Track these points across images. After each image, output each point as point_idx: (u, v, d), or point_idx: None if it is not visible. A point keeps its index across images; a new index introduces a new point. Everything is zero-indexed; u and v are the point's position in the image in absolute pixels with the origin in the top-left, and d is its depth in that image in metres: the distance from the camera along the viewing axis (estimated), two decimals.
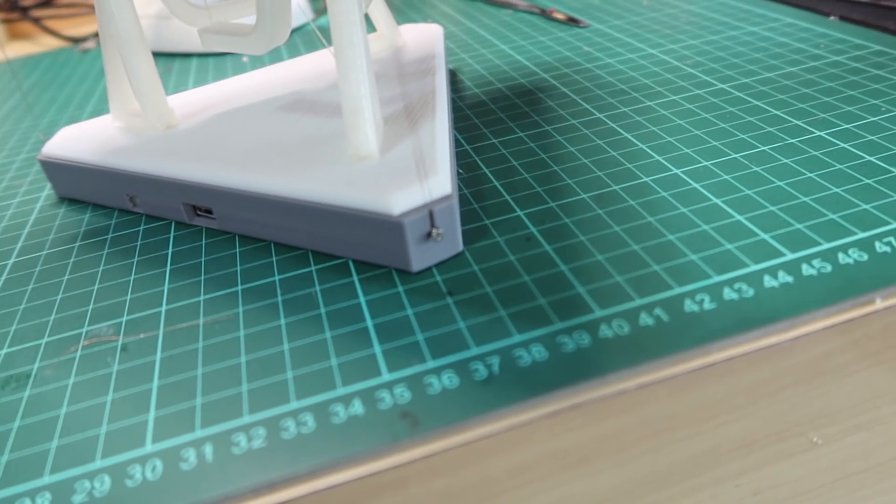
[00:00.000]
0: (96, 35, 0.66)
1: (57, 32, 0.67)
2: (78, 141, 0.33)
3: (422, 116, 0.29)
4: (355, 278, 0.24)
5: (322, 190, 0.25)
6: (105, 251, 0.29)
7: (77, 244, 0.30)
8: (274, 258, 0.26)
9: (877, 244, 0.22)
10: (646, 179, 0.28)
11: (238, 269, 0.26)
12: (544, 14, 0.51)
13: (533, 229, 0.26)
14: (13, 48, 0.68)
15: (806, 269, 0.22)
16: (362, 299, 0.23)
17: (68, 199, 0.34)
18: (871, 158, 0.27)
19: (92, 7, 0.73)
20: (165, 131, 0.32)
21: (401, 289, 0.23)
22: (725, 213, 0.25)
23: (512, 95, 0.38)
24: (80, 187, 0.33)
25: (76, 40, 0.66)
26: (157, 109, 0.31)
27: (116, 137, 0.32)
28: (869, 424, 0.21)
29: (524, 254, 0.24)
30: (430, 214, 0.23)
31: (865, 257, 0.22)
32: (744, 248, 0.23)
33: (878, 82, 0.33)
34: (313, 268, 0.25)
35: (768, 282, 0.21)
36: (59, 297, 0.26)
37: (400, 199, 0.23)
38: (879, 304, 0.20)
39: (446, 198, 0.24)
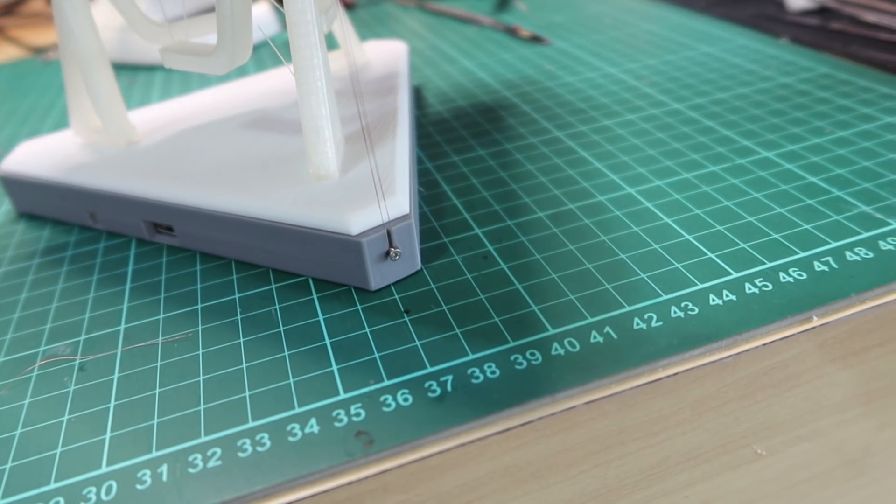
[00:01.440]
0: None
1: (19, 41, 0.66)
2: (38, 156, 0.32)
3: (382, 135, 0.29)
4: (314, 296, 0.25)
5: (282, 209, 0.25)
6: (64, 269, 0.29)
7: (35, 261, 0.29)
8: (234, 276, 0.27)
9: (815, 263, 0.23)
10: (601, 198, 0.29)
11: (198, 286, 0.26)
12: (509, 31, 0.52)
13: (490, 248, 0.26)
14: None
15: (749, 288, 0.23)
16: (321, 317, 0.24)
17: (28, 215, 0.34)
18: (814, 179, 0.28)
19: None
20: (127, 148, 0.32)
21: (359, 307, 0.24)
22: (675, 232, 0.26)
23: (474, 113, 0.38)
24: (40, 203, 0.32)
25: (38, 50, 0.65)
26: (118, 126, 0.31)
27: (77, 154, 0.32)
28: (810, 436, 0.22)
29: (481, 272, 0.25)
30: (388, 234, 0.24)
31: (804, 276, 0.23)
32: (691, 266, 0.24)
33: (824, 104, 0.34)
34: (273, 286, 0.26)
35: (713, 300, 0.22)
36: (16, 315, 0.26)
37: (358, 219, 0.24)
38: (816, 321, 0.21)
39: (404, 217, 0.24)
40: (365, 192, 0.25)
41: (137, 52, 0.56)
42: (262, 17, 0.58)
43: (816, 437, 0.22)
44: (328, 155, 0.26)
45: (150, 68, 0.55)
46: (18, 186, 0.33)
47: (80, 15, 0.29)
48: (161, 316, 0.25)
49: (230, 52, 0.26)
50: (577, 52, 0.46)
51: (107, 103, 0.31)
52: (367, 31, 0.57)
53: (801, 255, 0.24)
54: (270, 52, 0.55)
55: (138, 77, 0.53)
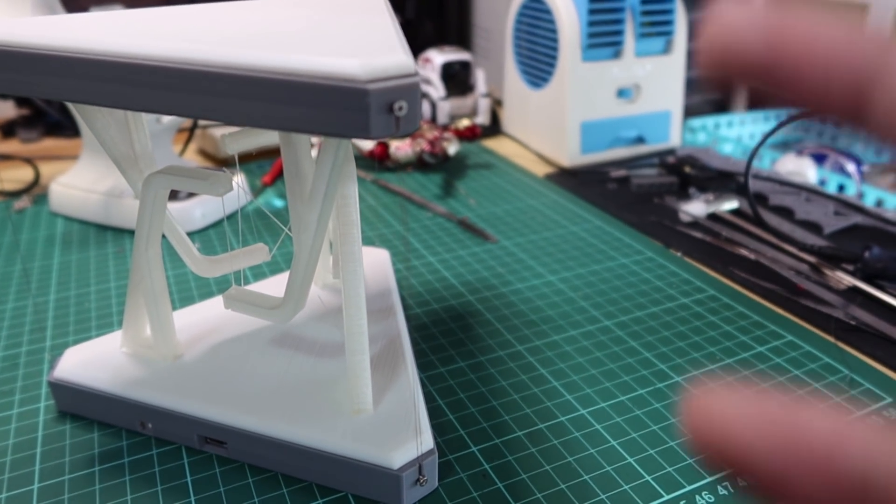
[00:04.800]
0: (29, 189, 0.69)
1: None
2: (88, 366, 0.38)
3: (395, 366, 0.37)
4: None
5: (332, 441, 0.32)
6: (127, 477, 0.34)
7: (97, 468, 0.35)
8: (284, 489, 0.33)
9: (718, 487, 0.33)
10: (562, 419, 0.38)
11: (256, 500, 0.32)
12: (460, 223, 0.62)
13: (486, 466, 0.34)
14: None
15: None
16: None
17: (70, 414, 0.38)
18: None
19: (24, 158, 0.76)
20: (174, 362, 0.38)
21: None
22: (620, 455, 0.35)
23: (448, 319, 0.47)
24: (89, 408, 0.38)
25: (10, 195, 0.68)
26: (169, 343, 0.38)
27: (129, 366, 0.38)
28: None
29: (483, 490, 0.33)
30: (420, 467, 0.31)
31: (713, 499, 0.33)
32: (636, 488, 0.33)
33: (714, 329, 0.46)
34: (320, 501, 0.32)
35: None
36: None
37: (399, 456, 0.31)
38: None
39: (431, 452, 0.32)
40: (398, 428, 0.33)
41: (123, 216, 0.61)
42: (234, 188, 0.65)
43: None
44: (367, 396, 0.33)
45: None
46: (68, 392, 0.38)
47: (154, 261, 0.35)
48: None
49: (295, 304, 0.33)
50: (520, 254, 0.56)
51: (163, 326, 0.37)
52: None
53: (709, 479, 0.34)
54: (245, 222, 0.62)
55: (124, 243, 0.58)
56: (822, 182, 0.78)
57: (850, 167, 0.80)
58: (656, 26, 0.75)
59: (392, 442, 0.32)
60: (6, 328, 0.47)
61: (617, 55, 0.75)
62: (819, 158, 0.95)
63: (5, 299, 0.50)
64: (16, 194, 0.69)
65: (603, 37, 0.73)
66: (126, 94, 0.26)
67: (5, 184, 0.71)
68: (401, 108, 0.24)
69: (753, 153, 0.59)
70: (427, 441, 0.32)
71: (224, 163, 0.77)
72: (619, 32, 0.73)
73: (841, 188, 0.83)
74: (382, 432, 0.33)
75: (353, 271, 0.32)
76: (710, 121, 1.07)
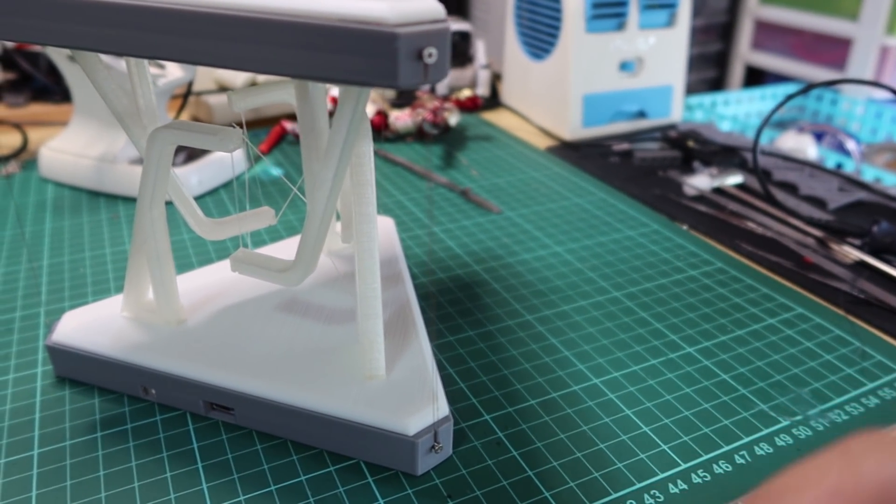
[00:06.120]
0: (17, 154, 0.67)
1: None
2: (88, 330, 0.36)
3: (406, 333, 0.36)
4: (370, 479, 0.31)
5: (345, 407, 0.31)
6: (131, 443, 0.33)
7: (99, 434, 0.33)
8: (294, 456, 0.32)
9: (735, 456, 0.33)
10: (575, 388, 0.37)
11: (266, 467, 0.32)
12: (462, 194, 0.61)
13: (500, 434, 0.34)
14: None
15: (694, 478, 0.32)
16: (381, 501, 0.30)
17: (69, 379, 0.37)
18: (725, 377, 0.38)
19: (13, 124, 0.74)
20: (178, 326, 0.37)
21: (409, 491, 0.30)
22: (635, 424, 0.35)
23: (455, 288, 0.46)
24: (88, 373, 0.36)
25: (0, 159, 0.66)
26: (172, 307, 0.36)
27: (130, 330, 0.36)
28: None
29: (498, 458, 0.32)
30: (436, 434, 0.31)
31: (730, 468, 0.32)
32: (652, 457, 0.33)
33: (723, 301, 0.46)
34: (332, 468, 0.32)
35: (671, 489, 0.31)
36: (103, 495, 0.30)
37: (414, 423, 0.30)
38: None
39: (446, 419, 0.31)
40: (412, 394, 0.32)
41: (116, 182, 0.59)
42: (231, 156, 0.64)
43: None
44: (380, 362, 0.33)
45: (130, 200, 0.59)
46: (66, 356, 0.36)
47: (159, 221, 0.34)
48: (242, 497, 0.30)
49: (305, 266, 0.32)
50: (524, 225, 0.55)
51: (167, 290, 0.36)
52: None
53: (725, 448, 0.33)
54: (242, 190, 0.61)
55: (119, 209, 0.57)
56: (821, 160, 0.77)
57: (851, 144, 0.80)
58: None
59: (407, 408, 0.31)
60: None
61: (620, 27, 0.74)
62: (817, 137, 0.95)
63: None
64: (3, 159, 0.67)
65: (607, 7, 0.72)
66: (138, 39, 0.25)
67: None
68: (430, 55, 0.22)
69: (760, 129, 0.59)
70: (442, 408, 0.32)
71: None
72: (624, 3, 0.72)
73: (839, 166, 0.83)
74: (397, 398, 0.32)
75: (368, 233, 0.31)
76: (706, 99, 1.06)
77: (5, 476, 0.31)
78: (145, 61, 0.34)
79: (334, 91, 0.69)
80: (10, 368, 0.38)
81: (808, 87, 0.61)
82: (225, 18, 0.23)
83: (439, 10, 0.23)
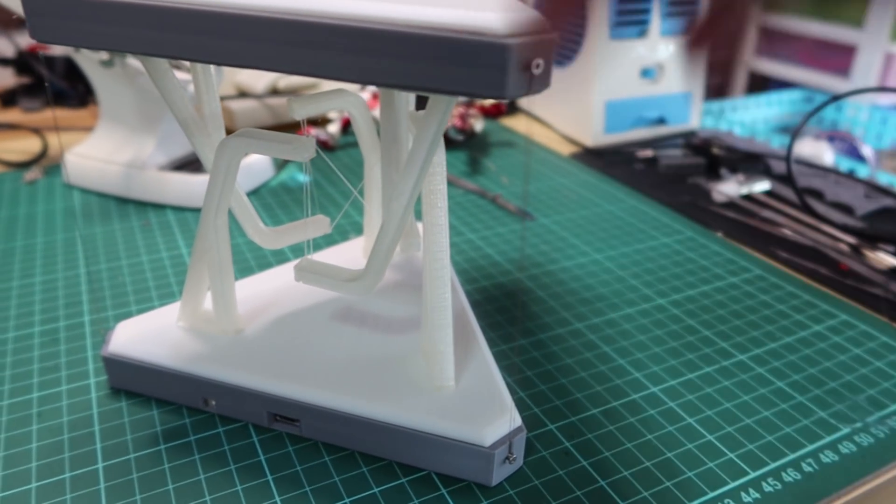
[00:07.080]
0: (38, 160, 0.66)
1: None
2: (144, 341, 0.36)
3: (467, 341, 0.36)
4: (443, 491, 0.31)
5: (417, 419, 0.31)
6: (196, 456, 0.32)
7: (162, 447, 0.33)
8: (364, 468, 0.32)
9: (802, 464, 0.33)
10: (634, 397, 0.37)
11: (336, 479, 0.31)
12: (492, 201, 0.61)
13: (567, 444, 0.34)
14: None
15: (766, 487, 0.32)
16: None
17: (123, 391, 0.37)
18: (781, 384, 0.38)
19: (32, 129, 0.73)
20: (235, 336, 0.36)
21: (485, 502, 0.30)
22: (699, 432, 0.35)
23: (500, 296, 0.46)
24: (146, 384, 0.36)
25: (20, 165, 0.65)
26: (231, 317, 0.36)
27: (188, 340, 0.36)
28: None
29: (568, 468, 0.32)
30: (510, 444, 0.31)
31: (799, 476, 0.32)
32: (721, 465, 0.33)
33: (767, 308, 0.46)
34: (404, 480, 0.31)
35: (745, 497, 0.31)
36: None
37: (491, 433, 0.30)
38: None
39: (519, 429, 0.31)
40: (484, 405, 0.32)
41: (145, 188, 0.58)
42: (259, 163, 0.63)
43: None
44: (450, 372, 0.32)
45: (159, 207, 0.58)
46: (123, 367, 0.36)
47: (222, 230, 0.34)
48: None
49: (376, 275, 0.31)
50: (561, 232, 0.55)
51: (226, 299, 0.35)
52: (352, 175, 0.64)
53: (791, 456, 0.33)
54: (273, 196, 0.60)
55: (149, 216, 0.56)
56: (835, 166, 0.78)
57: (867, 150, 0.81)
58: (682, 5, 0.75)
59: (482, 419, 0.31)
60: (39, 302, 0.44)
61: (642, 34, 0.74)
62: (830, 142, 0.96)
63: (31, 273, 0.48)
64: (23, 165, 0.66)
65: (631, 14, 0.72)
66: (229, 48, 0.25)
67: (10, 154, 0.68)
68: (538, 66, 0.22)
69: (794, 136, 0.59)
70: (516, 418, 0.31)
71: None
72: (647, 11, 0.72)
73: (851, 172, 0.84)
74: (470, 409, 0.32)
75: (438, 242, 0.31)
76: (714, 105, 1.07)
77: (73, 490, 0.31)
78: (212, 69, 0.33)
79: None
80: (61, 380, 0.37)
81: (834, 99, 0.61)
82: (327, 28, 0.23)
83: (545, 22, 0.23)
